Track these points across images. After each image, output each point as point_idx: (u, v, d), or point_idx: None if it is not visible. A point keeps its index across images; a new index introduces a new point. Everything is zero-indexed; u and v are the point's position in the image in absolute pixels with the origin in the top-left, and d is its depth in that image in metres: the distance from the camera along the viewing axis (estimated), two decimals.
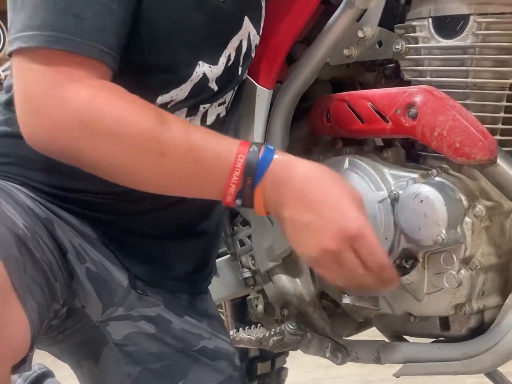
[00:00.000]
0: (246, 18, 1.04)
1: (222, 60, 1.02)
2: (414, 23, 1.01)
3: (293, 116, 1.16)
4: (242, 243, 1.25)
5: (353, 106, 1.03)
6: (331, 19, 1.08)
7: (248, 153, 0.87)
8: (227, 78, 1.04)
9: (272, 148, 0.89)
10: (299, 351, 1.60)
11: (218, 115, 1.07)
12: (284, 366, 1.59)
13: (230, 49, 1.02)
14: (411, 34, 1.01)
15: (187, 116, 1.02)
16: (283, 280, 1.16)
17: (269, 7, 1.16)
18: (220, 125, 1.08)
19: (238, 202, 0.88)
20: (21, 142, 0.92)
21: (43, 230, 0.93)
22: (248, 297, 1.25)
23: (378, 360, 1.08)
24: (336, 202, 0.87)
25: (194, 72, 0.98)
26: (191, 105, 1.01)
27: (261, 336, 1.07)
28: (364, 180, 1.02)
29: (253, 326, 1.16)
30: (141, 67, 0.94)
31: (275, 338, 1.07)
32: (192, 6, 0.96)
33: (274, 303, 1.17)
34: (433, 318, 1.04)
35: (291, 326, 1.09)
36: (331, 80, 1.19)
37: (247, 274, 1.23)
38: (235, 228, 1.28)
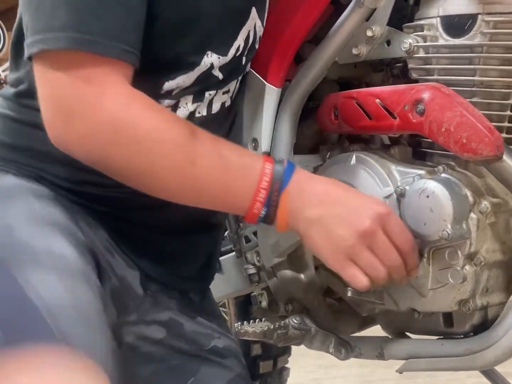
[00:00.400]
0: (253, 9, 1.06)
1: (232, 51, 1.04)
2: (422, 22, 1.02)
3: (300, 114, 1.18)
4: (248, 240, 1.26)
5: (361, 103, 1.04)
6: (340, 18, 1.09)
7: (274, 162, 0.94)
8: (231, 67, 1.06)
9: (292, 162, 0.96)
10: (299, 351, 1.61)
11: (223, 104, 1.08)
12: (286, 366, 1.60)
13: (240, 40, 1.05)
14: (420, 33, 1.02)
15: (193, 102, 1.03)
16: (288, 275, 1.17)
17: (279, 5, 1.17)
18: (225, 115, 1.10)
19: (263, 211, 0.92)
20: (37, 134, 0.94)
21: (91, 265, 0.93)
22: (253, 294, 1.26)
23: (381, 356, 1.08)
24: (359, 195, 0.97)
25: (202, 62, 1.00)
26: (197, 92, 1.03)
27: (265, 329, 1.07)
28: (370, 176, 1.03)
29: (257, 320, 1.17)
30: (150, 54, 0.95)
31: (279, 331, 1.08)
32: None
33: (278, 299, 1.18)
34: (436, 315, 1.05)
35: (295, 321, 1.09)
36: (338, 80, 1.20)
37: (251, 270, 1.24)
38: (241, 224, 1.29)
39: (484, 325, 1.02)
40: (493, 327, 0.99)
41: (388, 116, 1.00)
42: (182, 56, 0.98)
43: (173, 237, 1.09)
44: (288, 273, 1.17)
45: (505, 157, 0.93)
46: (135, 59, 0.90)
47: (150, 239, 1.07)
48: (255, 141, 1.21)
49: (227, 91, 1.08)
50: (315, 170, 1.16)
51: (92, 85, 0.87)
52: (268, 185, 0.92)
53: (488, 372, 1.28)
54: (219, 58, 1.02)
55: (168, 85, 0.99)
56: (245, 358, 1.54)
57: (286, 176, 0.93)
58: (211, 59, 1.01)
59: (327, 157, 1.15)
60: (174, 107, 1.02)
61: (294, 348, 1.57)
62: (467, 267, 0.97)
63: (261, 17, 1.09)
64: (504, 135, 0.96)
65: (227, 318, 1.60)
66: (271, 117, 1.19)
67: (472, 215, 0.96)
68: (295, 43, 1.17)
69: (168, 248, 1.09)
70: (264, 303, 1.22)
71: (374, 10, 1.06)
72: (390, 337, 1.11)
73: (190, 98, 1.03)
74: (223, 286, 1.39)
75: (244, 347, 1.54)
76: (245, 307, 1.52)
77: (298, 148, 1.19)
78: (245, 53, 1.08)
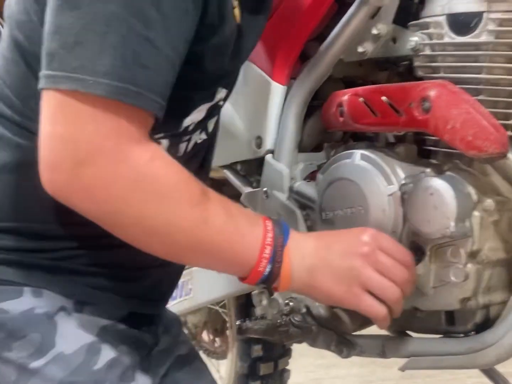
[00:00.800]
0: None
1: (234, 81, 1.06)
2: (428, 20, 1.02)
3: (305, 112, 1.18)
4: None
5: (367, 100, 1.04)
6: (346, 16, 1.09)
7: (271, 219, 0.95)
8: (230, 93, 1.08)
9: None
10: (299, 351, 1.60)
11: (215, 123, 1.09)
12: (286, 367, 1.60)
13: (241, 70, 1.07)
14: (425, 31, 1.02)
15: (200, 132, 1.04)
16: None
17: (284, 3, 1.18)
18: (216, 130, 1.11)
19: (268, 269, 0.92)
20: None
21: None
22: (253, 292, 1.25)
23: (383, 354, 1.08)
24: (345, 230, 1.00)
25: (215, 98, 1.01)
26: (204, 122, 1.03)
27: (266, 326, 1.07)
28: (375, 174, 1.02)
29: (258, 318, 1.16)
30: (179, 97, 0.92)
31: (280, 329, 1.07)
32: (229, 51, 0.96)
33: (279, 297, 1.18)
34: (438, 313, 1.04)
35: (296, 319, 1.09)
36: (343, 78, 1.20)
37: None
38: None
39: (486, 324, 1.01)
40: (495, 326, 0.99)
41: (393, 113, 1.00)
42: (198, 96, 0.98)
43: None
44: None
45: (510, 154, 0.93)
46: (162, 113, 0.87)
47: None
48: (259, 139, 1.22)
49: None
50: (319, 168, 1.16)
51: (118, 136, 0.83)
52: (272, 240, 0.92)
53: (489, 372, 1.28)
54: (225, 91, 1.03)
55: (186, 121, 0.98)
56: (246, 359, 1.55)
57: (285, 230, 0.95)
58: (221, 94, 1.02)
59: (331, 155, 1.15)
60: (189, 140, 1.02)
61: (294, 348, 1.57)
62: (469, 265, 0.96)
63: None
64: (509, 133, 0.96)
65: (227, 319, 1.60)
66: (276, 115, 1.19)
67: (476, 213, 0.96)
68: (300, 41, 1.17)
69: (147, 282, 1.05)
70: (264, 302, 1.21)
71: (380, 8, 1.07)
72: (391, 335, 1.10)
73: (199, 130, 1.04)
74: (224, 286, 1.39)
75: (245, 348, 1.54)
76: (245, 308, 1.52)
77: (302, 146, 1.19)
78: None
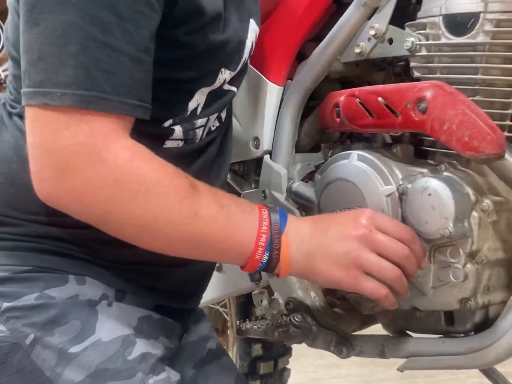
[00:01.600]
0: (251, 21, 1.07)
1: (241, 65, 1.06)
2: (424, 21, 1.02)
3: (302, 113, 1.18)
4: None
5: (363, 101, 1.04)
6: (343, 17, 1.10)
7: (268, 207, 0.96)
8: (241, 75, 1.08)
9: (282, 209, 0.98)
10: (299, 351, 1.61)
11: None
12: (287, 367, 1.60)
13: (245, 54, 1.06)
14: (422, 32, 1.02)
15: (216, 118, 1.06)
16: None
17: (281, 3, 1.18)
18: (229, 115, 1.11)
19: (265, 257, 0.93)
20: None
21: None
22: (253, 292, 1.25)
23: (382, 354, 1.08)
24: (341, 212, 1.01)
25: (217, 79, 1.01)
26: (216, 108, 1.04)
27: (266, 327, 1.08)
28: (372, 175, 1.03)
29: (258, 318, 1.17)
30: (170, 80, 0.94)
31: (280, 329, 1.08)
32: (216, 31, 0.97)
33: (279, 297, 1.18)
34: (437, 313, 1.05)
35: (296, 319, 1.09)
36: (340, 79, 1.20)
37: None
38: None
39: (485, 324, 1.02)
40: (494, 326, 0.99)
41: (390, 114, 1.00)
42: (198, 77, 0.98)
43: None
44: None
45: (507, 155, 0.93)
46: (145, 112, 0.89)
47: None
48: (256, 139, 1.22)
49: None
50: (317, 168, 1.16)
51: (93, 140, 0.85)
52: (267, 229, 0.93)
53: (489, 372, 1.29)
54: (231, 73, 1.03)
55: (190, 105, 0.99)
56: (246, 358, 1.55)
57: (282, 217, 0.95)
58: (224, 75, 1.02)
59: (328, 155, 1.15)
60: (204, 127, 1.03)
61: (294, 348, 1.57)
62: (468, 265, 0.97)
63: (257, 22, 1.10)
64: (506, 133, 0.96)
65: (228, 318, 1.61)
66: (272, 116, 1.19)
67: (474, 213, 0.96)
68: (297, 42, 1.17)
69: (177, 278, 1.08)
70: (265, 302, 1.21)
71: (376, 8, 1.07)
72: (391, 335, 1.11)
73: (215, 115, 1.05)
74: (224, 286, 1.39)
75: (245, 347, 1.54)
76: (246, 307, 1.52)
77: (299, 147, 1.20)
78: (248, 59, 1.09)
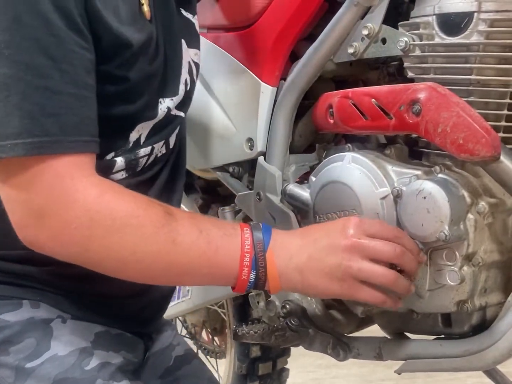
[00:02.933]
0: (182, 41, 1.07)
1: (181, 87, 1.05)
2: (418, 21, 1.01)
3: (296, 113, 1.17)
4: None
5: (357, 103, 1.03)
6: (336, 16, 1.08)
7: (250, 226, 0.95)
8: (188, 98, 1.08)
9: (266, 224, 0.98)
10: (298, 351, 1.60)
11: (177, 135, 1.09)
12: (285, 367, 1.60)
13: (184, 74, 1.05)
14: (415, 31, 1.01)
15: (163, 145, 1.05)
16: None
17: (273, 2, 1.16)
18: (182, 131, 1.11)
19: (252, 276, 0.92)
20: None
21: None
22: (250, 294, 1.25)
23: (379, 357, 1.08)
24: (326, 223, 1.01)
25: (159, 110, 1.00)
26: (164, 134, 1.04)
27: (262, 331, 1.07)
28: (367, 177, 1.02)
29: (255, 322, 1.16)
30: (110, 115, 0.94)
31: (277, 333, 1.08)
32: (148, 59, 0.97)
33: (276, 300, 1.17)
34: (435, 315, 1.04)
35: (293, 322, 1.09)
36: (334, 78, 1.19)
37: None
38: None
39: (483, 326, 1.01)
40: (492, 328, 0.99)
41: (384, 116, 0.99)
42: (138, 112, 0.98)
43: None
44: None
45: (502, 157, 0.92)
46: (96, 146, 0.90)
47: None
48: (250, 140, 1.21)
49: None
50: (311, 169, 1.15)
51: (60, 182, 0.86)
52: (250, 248, 0.92)
53: (489, 370, 1.28)
54: (172, 100, 1.03)
55: (131, 137, 0.99)
56: (244, 360, 1.55)
57: (266, 235, 0.94)
58: (165, 104, 1.01)
59: (323, 156, 1.14)
60: (149, 155, 1.02)
61: (293, 348, 1.56)
62: (465, 268, 0.96)
63: (193, 43, 1.10)
64: (501, 134, 0.95)
65: (226, 318, 1.60)
66: (266, 116, 1.18)
67: (470, 215, 0.95)
68: (290, 41, 1.16)
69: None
70: (261, 304, 1.21)
71: (370, 8, 1.05)
72: (388, 337, 1.10)
73: (161, 143, 1.04)
74: (221, 288, 1.38)
75: (243, 348, 1.54)
76: (243, 309, 1.52)
77: (294, 147, 1.18)
78: (195, 79, 1.09)
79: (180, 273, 0.92)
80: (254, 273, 0.92)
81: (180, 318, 1.70)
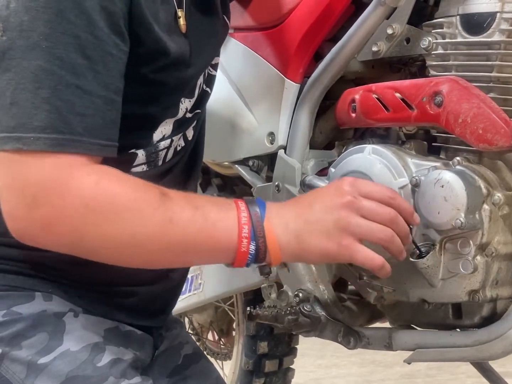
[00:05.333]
0: (210, 51, 1.11)
1: (197, 91, 1.08)
2: (442, 20, 1.05)
3: (317, 111, 1.20)
4: None
5: (380, 96, 1.07)
6: (362, 16, 1.12)
7: (244, 199, 0.95)
8: (201, 101, 1.11)
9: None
10: (298, 351, 1.61)
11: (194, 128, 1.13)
12: (291, 367, 1.61)
13: (200, 79, 1.09)
14: (439, 31, 1.05)
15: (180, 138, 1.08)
16: (299, 267, 1.19)
17: (301, 2, 1.21)
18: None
19: (252, 247, 0.91)
20: None
21: None
22: (263, 286, 1.27)
23: (389, 346, 1.09)
24: (321, 187, 1.01)
25: (180, 110, 1.04)
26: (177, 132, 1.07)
27: (277, 312, 1.09)
28: (386, 167, 1.05)
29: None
30: (136, 113, 0.97)
31: (290, 317, 1.09)
32: (180, 69, 1.00)
33: (288, 290, 1.20)
34: (445, 307, 1.06)
35: (306, 308, 1.11)
36: (356, 80, 1.23)
37: None
38: None
39: (493, 318, 1.03)
40: (502, 319, 1.01)
41: (406, 108, 1.03)
42: (164, 110, 1.01)
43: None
44: (299, 265, 1.19)
45: None
46: (112, 151, 0.91)
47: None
48: (271, 135, 1.24)
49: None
50: (330, 165, 1.18)
51: (57, 170, 0.86)
52: (248, 219, 0.92)
53: (487, 372, 1.29)
54: (190, 101, 1.06)
55: (156, 135, 1.02)
56: (251, 355, 1.56)
57: (261, 207, 0.94)
58: (185, 104, 1.05)
59: (342, 151, 1.17)
60: (169, 148, 1.05)
61: None
62: (478, 257, 0.98)
63: (218, 53, 1.14)
64: None
65: (234, 316, 1.62)
66: (289, 112, 1.22)
67: (485, 206, 0.98)
68: (316, 41, 1.20)
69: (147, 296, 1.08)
70: (273, 295, 1.23)
71: (395, 8, 1.10)
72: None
73: (179, 135, 1.06)
74: (234, 281, 1.40)
75: (251, 344, 1.55)
76: (254, 304, 1.53)
77: (314, 143, 1.22)
78: (208, 84, 1.13)
79: (180, 253, 0.92)
80: (254, 244, 0.92)
81: (187, 317, 1.71)
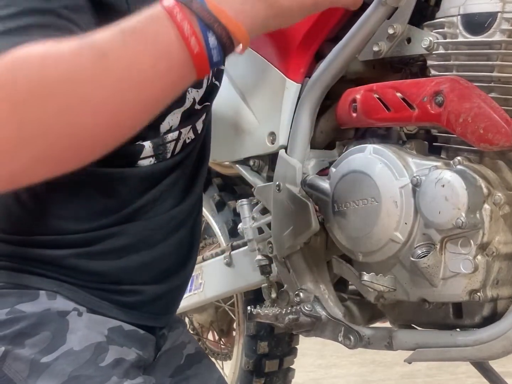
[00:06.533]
0: None
1: (205, 81, 1.07)
2: (443, 20, 1.05)
3: (318, 111, 1.21)
4: (261, 231, 1.28)
5: (381, 96, 1.07)
6: (363, 15, 1.12)
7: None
8: (211, 94, 1.10)
9: None
10: (298, 351, 1.61)
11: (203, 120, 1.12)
12: (291, 367, 1.61)
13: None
14: (440, 30, 1.05)
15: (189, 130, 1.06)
16: (300, 267, 1.19)
17: None
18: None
19: (211, 38, 0.77)
20: None
21: None
22: (263, 285, 1.27)
23: (390, 346, 1.09)
24: None
25: (186, 99, 1.02)
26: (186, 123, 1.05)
27: (277, 312, 1.09)
28: (387, 167, 1.05)
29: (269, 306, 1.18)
30: None
31: (290, 316, 1.10)
32: None
33: (289, 289, 1.20)
34: (446, 306, 1.06)
35: (306, 308, 1.11)
36: (356, 80, 1.23)
37: (264, 262, 1.26)
38: (255, 216, 1.31)
39: (494, 318, 1.03)
40: (503, 319, 1.01)
41: (407, 108, 1.03)
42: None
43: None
44: (300, 264, 1.19)
45: None
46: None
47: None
48: (272, 134, 1.24)
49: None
50: (331, 165, 1.18)
51: None
52: (183, 14, 0.76)
53: (487, 372, 1.30)
54: (197, 91, 1.05)
55: (163, 127, 1.00)
56: (252, 355, 1.56)
57: None
58: (192, 94, 1.03)
59: (343, 151, 1.17)
60: (177, 140, 1.04)
61: None
62: (479, 257, 0.98)
63: None
64: None
65: (234, 316, 1.62)
66: (289, 112, 1.22)
67: (486, 205, 0.98)
68: (317, 40, 1.20)
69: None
70: (274, 295, 1.23)
71: (396, 8, 1.10)
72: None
73: (188, 127, 1.05)
74: (234, 280, 1.41)
75: (251, 344, 1.55)
76: (254, 304, 1.53)
77: (315, 143, 1.22)
78: (215, 75, 1.11)
79: (129, 89, 0.76)
80: (211, 34, 0.77)
81: (188, 317, 1.72)
